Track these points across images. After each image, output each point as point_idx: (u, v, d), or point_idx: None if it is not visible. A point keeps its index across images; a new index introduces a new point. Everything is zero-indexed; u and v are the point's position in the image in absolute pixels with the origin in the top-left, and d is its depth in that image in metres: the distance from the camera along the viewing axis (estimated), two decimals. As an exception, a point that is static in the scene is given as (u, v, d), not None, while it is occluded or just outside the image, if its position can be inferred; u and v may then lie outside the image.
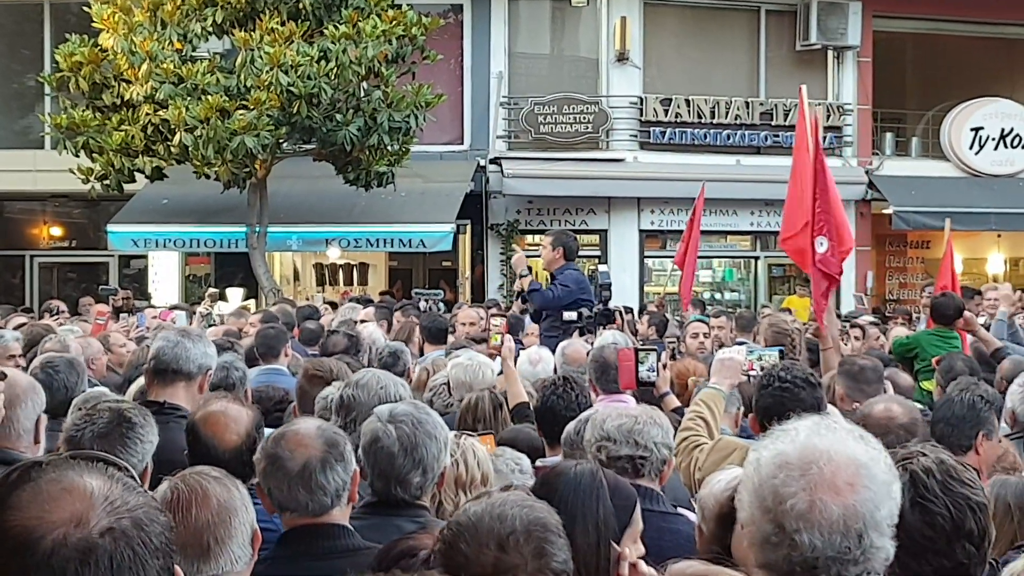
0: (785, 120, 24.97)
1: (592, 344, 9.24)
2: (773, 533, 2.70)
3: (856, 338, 13.34)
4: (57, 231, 26.79)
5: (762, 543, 2.73)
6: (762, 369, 6.34)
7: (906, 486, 3.25)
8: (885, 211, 25.33)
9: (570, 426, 5.57)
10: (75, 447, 4.53)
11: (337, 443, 4.26)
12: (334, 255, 23.86)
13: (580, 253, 24.97)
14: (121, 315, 14.56)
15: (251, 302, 20.42)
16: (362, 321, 12.71)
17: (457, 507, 4.30)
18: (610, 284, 11.97)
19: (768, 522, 2.71)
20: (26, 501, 2.06)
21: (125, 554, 2.04)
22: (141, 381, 6.82)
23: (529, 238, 25.65)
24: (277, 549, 4.23)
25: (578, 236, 24.89)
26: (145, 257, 24.86)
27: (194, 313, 14.75)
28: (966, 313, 11.17)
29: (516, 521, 3.11)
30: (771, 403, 5.54)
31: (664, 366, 7.44)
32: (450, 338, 11.65)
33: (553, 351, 9.60)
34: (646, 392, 7.23)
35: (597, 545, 3.79)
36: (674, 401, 7.31)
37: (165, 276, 25.03)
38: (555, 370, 8.75)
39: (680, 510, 5.20)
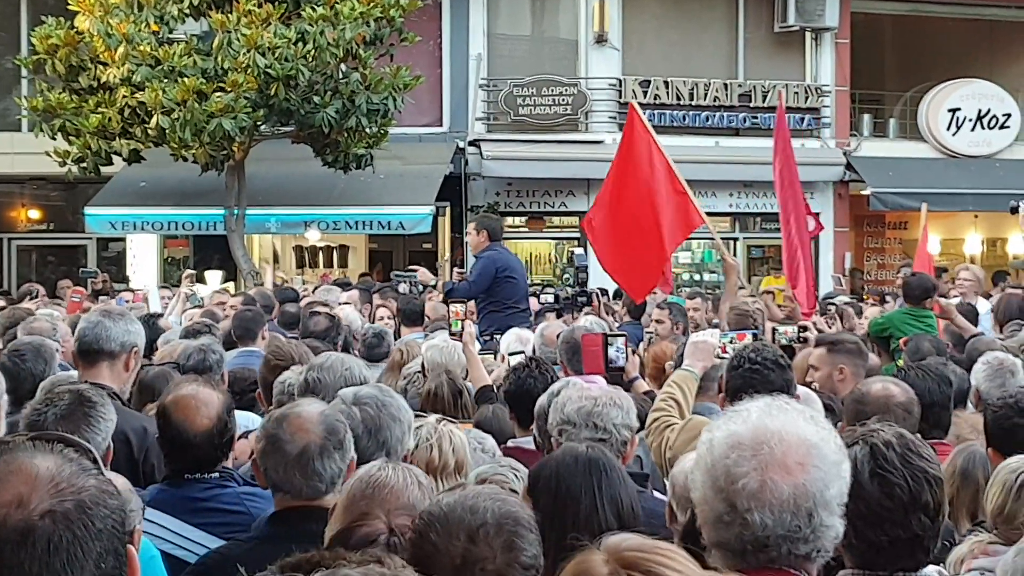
0: (763, 102, 25.03)
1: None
2: (725, 512, 2.75)
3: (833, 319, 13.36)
4: (35, 214, 26.69)
5: (715, 522, 2.78)
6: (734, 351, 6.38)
7: (866, 458, 3.33)
8: (863, 192, 25.44)
9: (542, 399, 5.61)
10: (38, 430, 4.55)
11: (337, 431, 4.29)
12: (313, 237, 23.84)
13: (560, 235, 25.36)
14: (100, 297, 14.59)
15: (230, 284, 20.40)
16: (343, 304, 12.74)
17: (426, 493, 4.37)
18: (587, 266, 12.03)
19: (720, 501, 2.76)
20: None
21: (64, 536, 2.05)
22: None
23: (509, 220, 25.67)
24: (266, 528, 4.27)
25: (557, 218, 25.21)
26: (123, 240, 24.80)
27: (170, 296, 14.72)
28: (943, 300, 11.27)
29: (488, 514, 3.14)
30: (740, 384, 5.57)
31: (633, 351, 7.48)
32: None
33: (496, 330, 9.77)
34: (615, 378, 7.27)
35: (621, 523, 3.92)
36: (643, 386, 7.35)
37: (143, 259, 24.93)
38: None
39: (655, 492, 5.27)
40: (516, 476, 4.50)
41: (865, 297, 18.78)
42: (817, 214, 10.96)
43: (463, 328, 8.03)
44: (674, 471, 4.63)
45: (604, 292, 14.35)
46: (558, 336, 8.03)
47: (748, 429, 2.79)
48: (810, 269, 10.69)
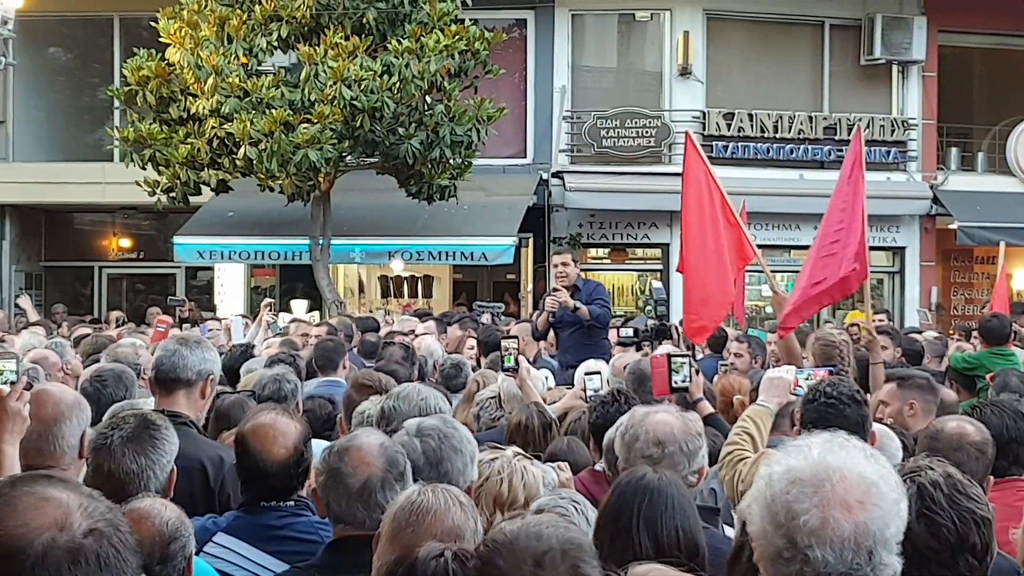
0: (849, 135, 24.83)
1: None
2: (785, 548, 2.74)
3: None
4: (125, 242, 27.20)
5: (774, 557, 2.77)
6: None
7: (913, 498, 3.31)
8: (950, 226, 25.14)
9: (610, 433, 5.60)
10: (104, 453, 4.62)
11: (398, 462, 4.33)
12: (397, 267, 24.00)
13: (643, 267, 25.38)
14: (184, 325, 14.79)
15: (315, 314, 20.60)
16: (419, 334, 12.81)
17: (492, 525, 4.40)
18: (666, 299, 12.03)
19: (780, 537, 2.75)
20: (4, 515, 2.19)
21: (109, 552, 2.20)
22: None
23: (591, 252, 25.72)
24: (325, 557, 4.31)
25: (640, 250, 25.19)
26: (211, 269, 25.14)
27: (249, 323, 14.91)
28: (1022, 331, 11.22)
29: (553, 540, 3.16)
30: (815, 418, 5.55)
31: (697, 372, 7.48)
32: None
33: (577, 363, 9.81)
34: (680, 398, 7.27)
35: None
36: (707, 407, 7.34)
37: (231, 288, 25.28)
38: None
39: (726, 528, 5.27)
40: (576, 508, 4.49)
41: (950, 333, 18.57)
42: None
43: (517, 363, 8.01)
44: (741, 505, 4.61)
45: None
46: (625, 367, 8.05)
47: (809, 465, 2.79)
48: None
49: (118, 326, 15.97)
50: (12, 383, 4.63)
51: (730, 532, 4.99)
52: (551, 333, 12.57)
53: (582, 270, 24.00)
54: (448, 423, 4.74)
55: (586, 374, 7.89)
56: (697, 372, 7.51)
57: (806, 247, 25.18)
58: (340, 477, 4.25)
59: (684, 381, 7.26)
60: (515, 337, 8.52)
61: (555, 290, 12.21)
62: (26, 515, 2.19)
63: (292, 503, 5.02)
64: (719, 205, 10.51)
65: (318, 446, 5.25)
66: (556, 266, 12.49)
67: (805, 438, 2.90)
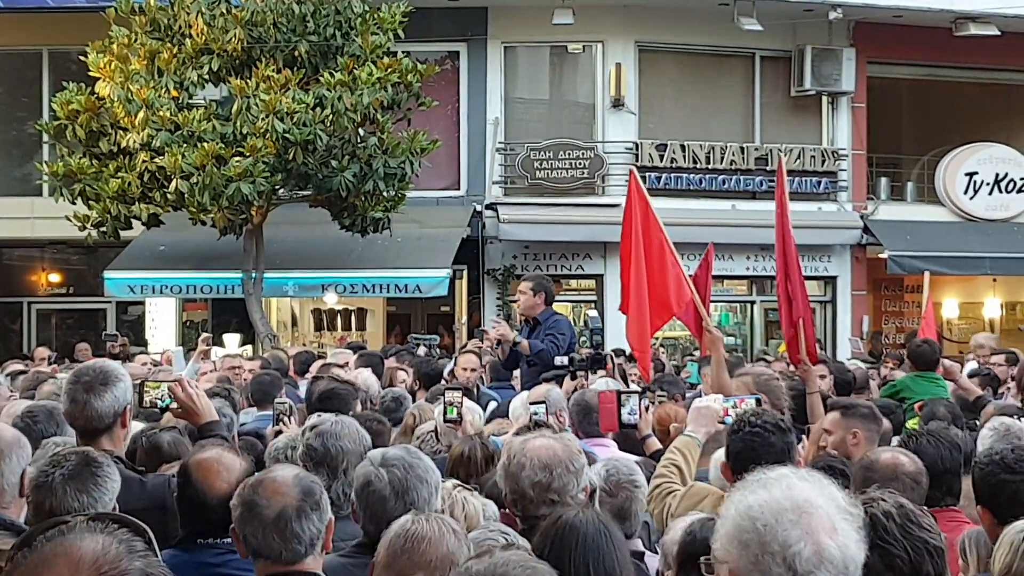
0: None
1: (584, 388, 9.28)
2: None
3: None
4: (55, 278, 26.85)
5: None
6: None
7: (867, 529, 3.32)
8: (880, 256, 25.40)
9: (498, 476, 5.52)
10: (46, 491, 4.61)
11: (313, 492, 4.34)
12: (331, 301, 23.89)
13: (577, 298, 25.37)
14: (116, 362, 14.59)
15: (247, 348, 20.44)
16: (347, 366, 12.72)
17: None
18: (601, 329, 11.97)
19: (778, 565, 2.76)
20: (31, 564, 2.26)
21: None
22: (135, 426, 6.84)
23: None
24: None
25: (574, 281, 25.21)
26: (143, 303, 24.91)
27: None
28: (946, 362, 11.38)
29: None
30: (742, 448, 5.55)
31: (647, 408, 7.48)
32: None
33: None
34: (628, 435, 7.26)
35: None
36: (656, 444, 7.33)
37: (162, 322, 25.07)
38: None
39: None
40: (507, 540, 4.47)
41: (884, 360, 18.72)
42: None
43: (460, 416, 7.67)
44: (665, 539, 4.62)
45: (620, 353, 14.31)
46: (569, 398, 8.01)
47: (784, 496, 2.83)
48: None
49: (50, 363, 15.74)
50: None
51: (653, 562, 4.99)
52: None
53: (513, 302, 24.24)
54: (412, 453, 4.78)
55: (532, 403, 7.80)
56: (647, 409, 7.50)
57: (740, 277, 25.68)
58: (256, 509, 4.26)
59: (632, 416, 7.25)
60: (459, 389, 8.28)
61: (495, 321, 11.95)
62: (38, 569, 2.25)
63: (229, 540, 4.94)
64: (657, 246, 10.45)
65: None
66: (514, 293, 12.38)
67: (766, 473, 2.90)
